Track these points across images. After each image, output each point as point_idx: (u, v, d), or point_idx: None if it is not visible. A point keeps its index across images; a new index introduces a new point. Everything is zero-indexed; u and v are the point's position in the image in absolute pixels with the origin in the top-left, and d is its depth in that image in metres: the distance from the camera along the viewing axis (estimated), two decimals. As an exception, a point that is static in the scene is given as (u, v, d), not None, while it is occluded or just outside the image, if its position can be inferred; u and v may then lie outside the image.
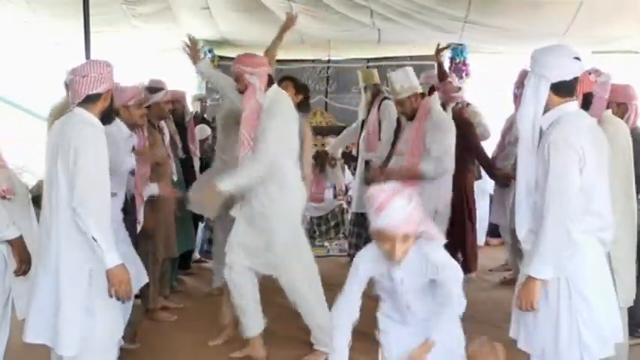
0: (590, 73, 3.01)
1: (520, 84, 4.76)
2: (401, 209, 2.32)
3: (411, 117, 4.26)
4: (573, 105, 2.54)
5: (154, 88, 4.54)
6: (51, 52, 7.37)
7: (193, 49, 4.09)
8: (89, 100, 2.77)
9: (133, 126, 3.74)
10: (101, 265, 2.72)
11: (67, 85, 3.15)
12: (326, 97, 8.67)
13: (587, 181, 2.45)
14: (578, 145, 2.41)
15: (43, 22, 6.98)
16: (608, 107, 3.22)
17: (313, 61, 8.51)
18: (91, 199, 2.63)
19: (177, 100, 5.49)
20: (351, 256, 6.22)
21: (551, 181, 2.42)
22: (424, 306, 2.61)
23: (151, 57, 8.16)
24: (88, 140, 2.68)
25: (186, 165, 5.27)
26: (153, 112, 4.50)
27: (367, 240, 5.27)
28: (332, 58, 8.46)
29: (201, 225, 6.03)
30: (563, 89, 2.50)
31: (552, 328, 2.53)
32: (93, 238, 2.63)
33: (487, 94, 6.68)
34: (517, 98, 4.75)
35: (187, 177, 5.17)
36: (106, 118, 2.86)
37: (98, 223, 2.65)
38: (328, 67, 8.53)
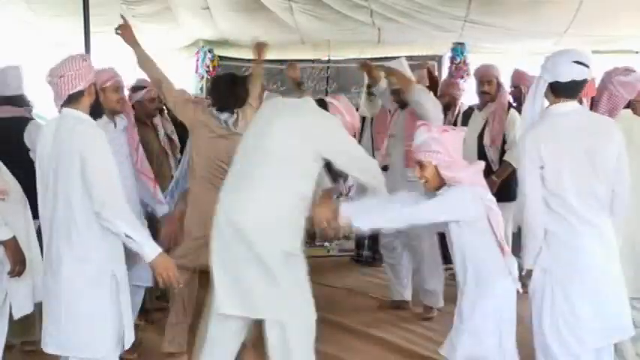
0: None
1: (514, 84, 4.90)
2: (421, 134, 2.62)
3: (403, 105, 4.56)
4: (564, 106, 2.62)
5: (136, 87, 4.56)
6: (51, 52, 7.36)
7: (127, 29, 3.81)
8: (73, 99, 2.73)
9: (111, 112, 3.71)
10: (123, 265, 2.73)
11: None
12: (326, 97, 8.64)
13: (558, 178, 2.57)
14: (531, 147, 2.56)
15: (43, 22, 6.98)
16: (628, 106, 3.22)
17: (313, 61, 8.49)
18: (111, 198, 2.60)
19: None
20: (358, 256, 6.27)
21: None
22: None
23: (151, 56, 8.13)
24: (90, 142, 2.64)
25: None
26: (139, 111, 4.51)
27: (373, 239, 5.28)
28: (332, 58, 8.45)
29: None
30: (558, 90, 2.60)
31: (536, 320, 2.66)
32: (126, 235, 2.59)
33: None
34: (515, 98, 4.88)
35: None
36: (96, 112, 2.83)
37: (126, 219, 2.61)
38: (328, 67, 8.52)
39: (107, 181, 2.62)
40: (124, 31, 3.78)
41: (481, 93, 4.81)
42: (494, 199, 2.69)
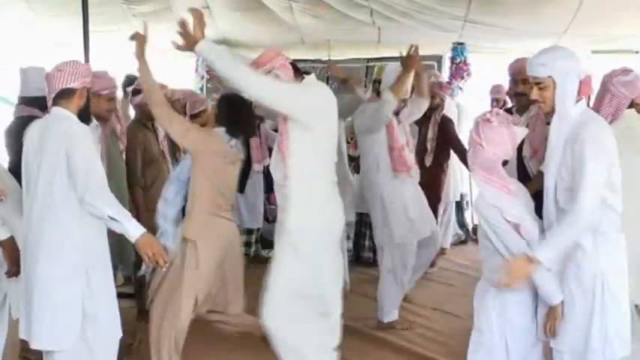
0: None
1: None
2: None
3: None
4: (584, 102, 2.61)
5: (136, 91, 4.54)
6: (51, 52, 7.36)
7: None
8: (64, 96, 2.79)
9: (97, 117, 3.70)
10: (98, 264, 2.75)
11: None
12: (326, 96, 8.62)
13: (617, 180, 2.53)
14: (609, 144, 2.49)
15: (43, 22, 6.97)
16: (631, 106, 3.20)
17: (313, 61, 8.48)
18: (93, 183, 2.65)
19: (177, 99, 5.43)
20: (358, 257, 6.25)
21: (584, 180, 2.44)
22: None
23: (151, 56, 8.14)
24: (76, 136, 2.71)
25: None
26: (139, 114, 4.52)
27: (373, 240, 5.27)
28: (332, 57, 8.44)
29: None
30: (578, 88, 2.58)
31: (586, 325, 2.54)
32: (110, 217, 2.63)
33: (487, 94, 6.67)
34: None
35: None
36: (84, 117, 2.87)
37: (108, 202, 2.66)
38: (328, 67, 8.51)
39: (91, 169, 2.68)
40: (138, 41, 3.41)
41: (516, 95, 3.80)
42: (519, 217, 2.61)
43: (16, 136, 3.66)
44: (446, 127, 5.42)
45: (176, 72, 7.77)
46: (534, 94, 2.61)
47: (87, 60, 4.59)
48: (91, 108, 3.44)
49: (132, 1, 6.81)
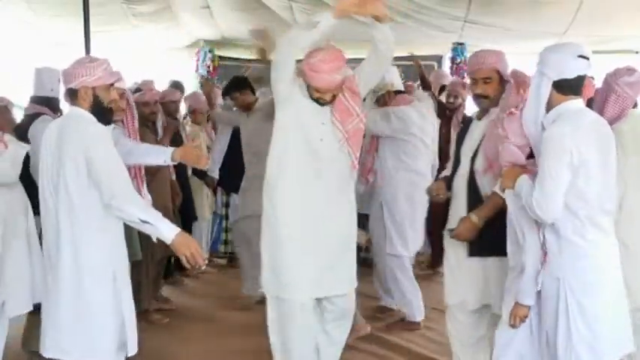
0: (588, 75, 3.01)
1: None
2: None
3: None
4: (576, 103, 2.52)
5: (138, 89, 4.55)
6: (51, 52, 7.37)
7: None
8: (72, 96, 2.69)
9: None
10: (121, 268, 2.68)
11: None
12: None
13: (588, 183, 2.43)
14: (571, 146, 2.39)
15: (43, 22, 6.98)
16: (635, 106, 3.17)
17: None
18: (119, 187, 2.55)
19: (171, 101, 5.43)
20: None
21: (539, 179, 2.43)
22: None
23: (152, 56, 8.16)
24: (93, 140, 2.59)
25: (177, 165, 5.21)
26: (141, 113, 4.51)
27: (369, 240, 5.28)
28: (332, 57, 8.44)
29: (196, 225, 5.87)
30: (565, 87, 2.50)
31: (552, 327, 2.53)
32: (142, 221, 2.52)
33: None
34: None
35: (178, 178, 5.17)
36: (100, 118, 2.70)
37: (137, 205, 2.56)
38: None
39: (113, 172, 2.58)
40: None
41: (474, 96, 3.20)
42: None
43: (21, 132, 3.72)
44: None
45: (176, 72, 7.78)
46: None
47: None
48: None
49: (132, 0, 6.81)
